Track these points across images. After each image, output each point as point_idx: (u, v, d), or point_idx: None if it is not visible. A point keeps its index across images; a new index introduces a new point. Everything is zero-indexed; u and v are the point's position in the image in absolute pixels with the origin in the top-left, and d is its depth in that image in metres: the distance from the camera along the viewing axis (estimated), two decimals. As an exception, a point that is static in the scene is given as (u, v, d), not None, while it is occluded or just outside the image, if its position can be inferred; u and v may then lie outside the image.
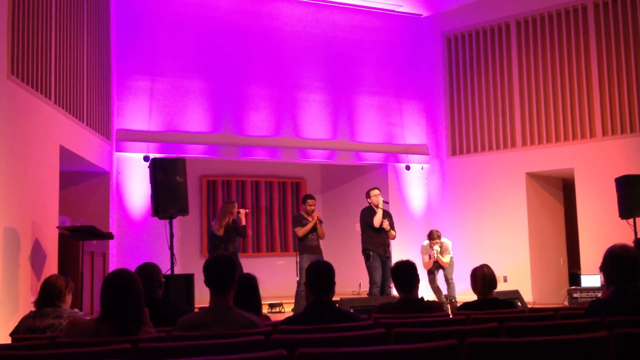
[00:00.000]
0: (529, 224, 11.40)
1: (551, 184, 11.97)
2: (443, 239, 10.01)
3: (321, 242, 9.13)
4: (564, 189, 12.16)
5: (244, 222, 9.02)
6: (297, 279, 8.88)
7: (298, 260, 8.96)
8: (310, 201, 9.10)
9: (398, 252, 10.47)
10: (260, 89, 11.44)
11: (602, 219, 10.38)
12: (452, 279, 9.89)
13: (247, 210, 9.31)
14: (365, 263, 8.93)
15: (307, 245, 8.94)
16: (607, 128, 10.81)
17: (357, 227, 9.33)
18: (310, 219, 8.96)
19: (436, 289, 9.92)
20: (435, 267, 9.96)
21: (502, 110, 11.91)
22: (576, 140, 11.09)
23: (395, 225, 9.12)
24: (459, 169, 12.29)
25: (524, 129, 11.64)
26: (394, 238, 9.18)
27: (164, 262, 7.29)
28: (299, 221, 9.03)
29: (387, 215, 9.08)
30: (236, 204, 9.23)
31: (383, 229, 8.92)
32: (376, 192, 9.11)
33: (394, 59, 12.58)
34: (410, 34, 12.76)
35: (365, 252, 8.92)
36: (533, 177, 11.64)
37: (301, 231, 8.91)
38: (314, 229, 8.94)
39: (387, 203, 9.18)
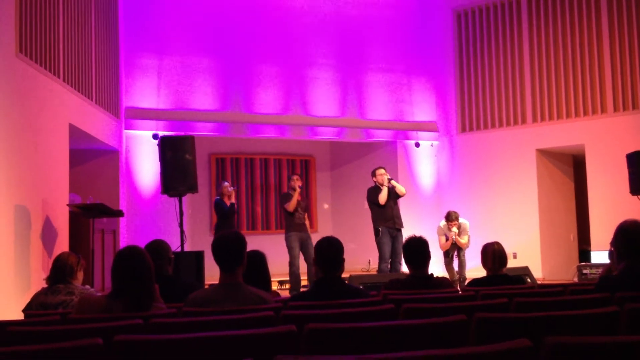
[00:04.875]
0: (539, 200, 11.37)
1: (562, 160, 11.90)
2: (461, 220, 9.74)
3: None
4: (574, 166, 12.09)
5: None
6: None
7: (285, 238, 9.10)
8: (294, 176, 9.50)
9: (408, 230, 10.47)
10: (269, 66, 11.39)
11: (613, 195, 10.33)
12: (463, 255, 9.66)
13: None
14: (375, 239, 9.00)
15: (295, 223, 9.10)
16: (618, 104, 10.71)
17: (366, 205, 9.35)
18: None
19: (450, 270, 9.77)
20: (452, 248, 9.74)
21: (512, 86, 11.82)
22: (587, 116, 11.00)
23: (404, 203, 9.13)
24: (469, 146, 12.23)
25: (534, 105, 11.55)
26: (404, 194, 9.22)
27: (174, 240, 7.35)
28: (287, 198, 9.28)
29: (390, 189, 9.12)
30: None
31: (390, 203, 8.96)
32: (382, 171, 9.19)
33: (403, 35, 12.48)
34: (419, 9, 12.63)
35: (375, 229, 9.00)
36: (543, 153, 11.58)
37: (289, 205, 9.11)
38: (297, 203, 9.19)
39: (391, 180, 9.15)
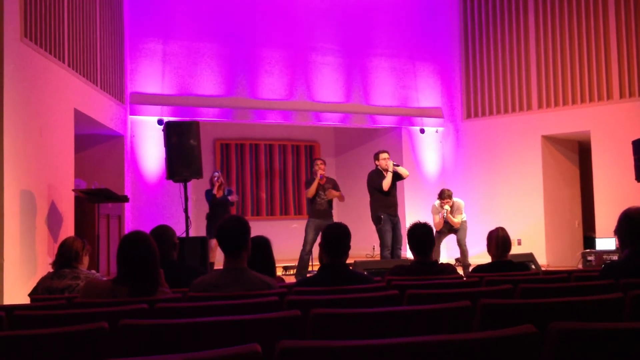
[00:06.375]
0: (544, 187, 11.35)
1: (567, 146, 11.87)
2: (455, 199, 9.52)
3: (335, 203, 9.12)
4: (579, 152, 12.06)
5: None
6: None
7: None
8: (317, 161, 9.26)
9: (411, 216, 10.49)
10: (274, 51, 11.36)
11: (618, 181, 10.30)
12: (465, 244, 9.44)
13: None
14: (376, 227, 8.87)
15: (315, 210, 8.98)
16: (624, 90, 10.66)
17: (368, 190, 9.28)
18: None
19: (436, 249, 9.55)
20: (446, 227, 9.58)
21: (518, 72, 11.76)
22: (593, 103, 10.95)
23: (408, 189, 9.08)
24: (474, 132, 12.20)
25: (540, 91, 11.50)
26: (407, 175, 9.16)
27: (178, 225, 7.37)
28: (308, 184, 9.11)
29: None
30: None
31: (392, 189, 8.88)
32: (385, 155, 8.99)
33: (408, 20, 12.41)
34: (425, -6, 12.57)
35: (376, 217, 8.82)
36: (549, 139, 11.55)
37: (308, 192, 8.96)
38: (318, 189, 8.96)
39: (397, 166, 9.06)
